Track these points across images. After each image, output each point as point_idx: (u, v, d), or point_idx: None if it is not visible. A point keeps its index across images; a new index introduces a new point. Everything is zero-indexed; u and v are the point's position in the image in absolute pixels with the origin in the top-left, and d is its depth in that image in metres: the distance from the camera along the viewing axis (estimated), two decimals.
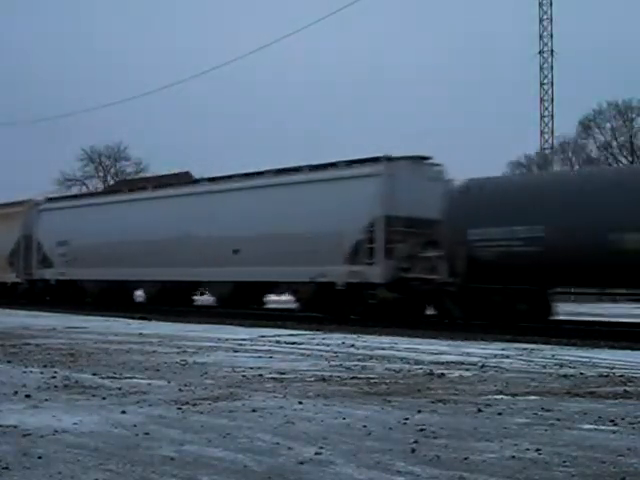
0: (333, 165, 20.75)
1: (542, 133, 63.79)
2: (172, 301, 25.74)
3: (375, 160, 19.74)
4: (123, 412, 6.47)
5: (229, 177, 24.32)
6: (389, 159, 19.56)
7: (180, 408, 6.70)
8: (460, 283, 17.01)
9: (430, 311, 19.57)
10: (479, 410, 6.63)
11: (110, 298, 27.17)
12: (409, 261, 18.40)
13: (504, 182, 21.12)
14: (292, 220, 20.62)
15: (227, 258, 22.21)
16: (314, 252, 19.56)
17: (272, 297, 25.98)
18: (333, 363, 10.27)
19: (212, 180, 25.38)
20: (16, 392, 7.49)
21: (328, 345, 12.94)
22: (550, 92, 62.37)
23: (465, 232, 16.95)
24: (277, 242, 20.87)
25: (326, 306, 19.95)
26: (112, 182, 75.44)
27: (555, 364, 10.24)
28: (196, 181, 29.00)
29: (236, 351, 11.97)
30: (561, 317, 19.12)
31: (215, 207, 23.29)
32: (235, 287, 23.39)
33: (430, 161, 20.55)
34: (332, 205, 19.63)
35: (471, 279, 16.89)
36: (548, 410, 6.63)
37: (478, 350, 12.17)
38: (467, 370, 9.57)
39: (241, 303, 23.78)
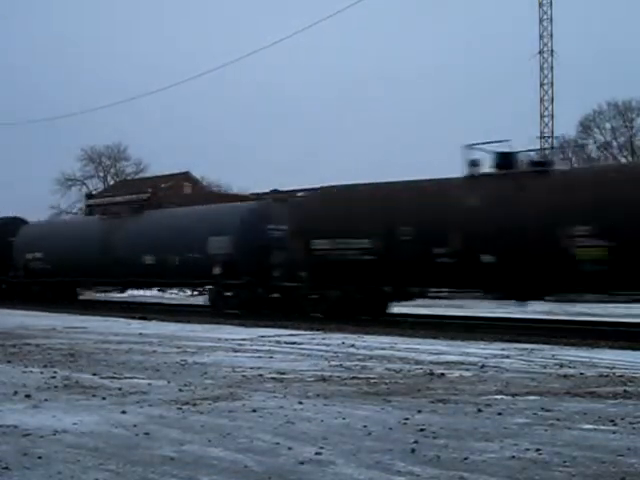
0: None
1: (542, 133, 63.73)
2: None
3: None
4: (123, 412, 6.47)
5: None
6: None
7: (180, 408, 6.70)
8: None
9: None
10: (479, 410, 6.63)
11: None
12: None
13: None
14: None
15: None
16: None
17: None
18: (333, 363, 10.26)
19: None
20: (16, 392, 7.49)
21: (328, 345, 12.93)
22: (550, 92, 62.35)
23: None
24: None
25: None
26: (112, 182, 75.45)
27: (555, 364, 10.23)
28: None
29: (236, 351, 11.97)
30: (561, 317, 19.15)
31: None
32: None
33: None
34: None
35: None
36: (548, 410, 6.63)
37: (478, 350, 12.16)
38: (467, 370, 9.56)
39: None
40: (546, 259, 16.32)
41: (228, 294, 22.47)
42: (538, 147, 16.96)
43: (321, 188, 21.86)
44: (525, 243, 16.65)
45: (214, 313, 21.90)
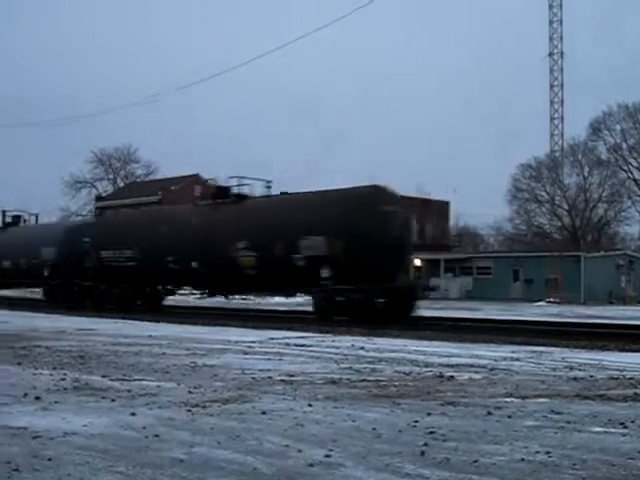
0: None
1: (552, 135, 63.48)
2: None
3: None
4: (133, 414, 6.48)
5: None
6: None
7: (189, 410, 6.71)
8: None
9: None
10: (489, 413, 6.61)
11: None
12: None
13: None
14: None
15: None
16: None
17: None
18: (342, 365, 10.25)
19: None
20: (26, 394, 7.51)
21: (337, 347, 12.92)
22: (560, 94, 62.11)
23: None
24: None
25: None
26: (122, 184, 75.69)
27: (565, 367, 10.20)
28: None
29: (245, 353, 11.97)
30: (571, 320, 19.08)
31: None
32: None
33: None
34: None
35: None
36: (558, 413, 6.61)
37: (488, 352, 12.14)
38: (477, 373, 9.54)
39: None
40: (227, 266, 22.61)
41: (56, 290, 30.11)
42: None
43: (105, 210, 31.00)
44: (216, 253, 22.91)
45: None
